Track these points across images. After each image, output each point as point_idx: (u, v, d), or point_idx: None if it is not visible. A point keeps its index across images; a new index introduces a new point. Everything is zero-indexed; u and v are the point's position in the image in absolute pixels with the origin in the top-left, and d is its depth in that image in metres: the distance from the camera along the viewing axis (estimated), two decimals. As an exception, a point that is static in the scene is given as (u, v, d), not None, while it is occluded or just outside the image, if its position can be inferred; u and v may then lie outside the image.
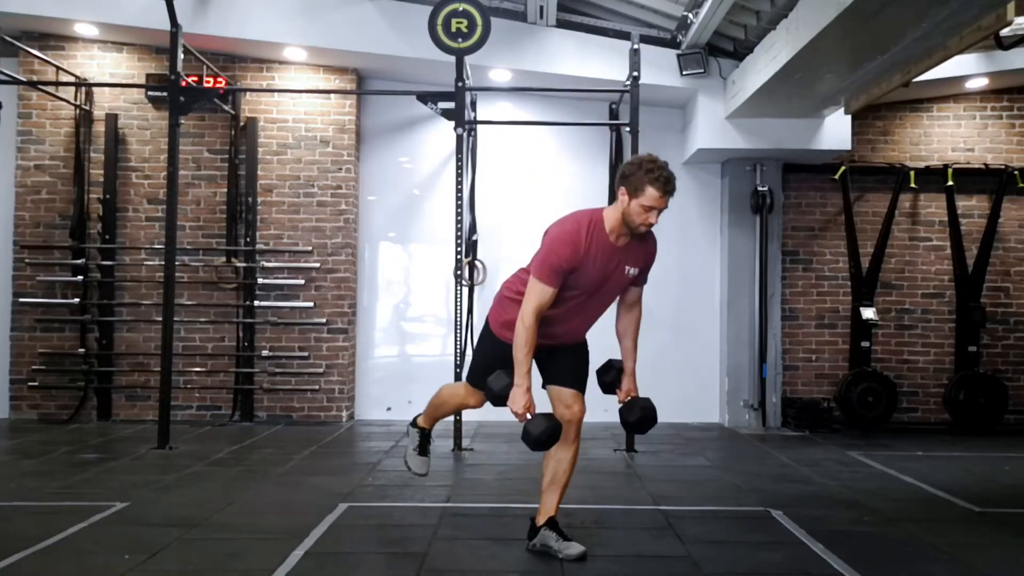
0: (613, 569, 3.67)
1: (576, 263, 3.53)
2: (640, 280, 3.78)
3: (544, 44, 7.78)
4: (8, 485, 5.17)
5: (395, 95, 8.02)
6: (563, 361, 3.79)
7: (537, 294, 3.52)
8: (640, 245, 3.67)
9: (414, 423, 4.28)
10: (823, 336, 8.33)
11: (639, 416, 3.75)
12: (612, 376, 3.86)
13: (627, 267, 3.65)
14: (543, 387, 3.83)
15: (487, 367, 3.78)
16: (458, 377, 6.55)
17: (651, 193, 3.46)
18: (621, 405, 3.81)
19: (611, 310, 3.85)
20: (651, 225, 3.54)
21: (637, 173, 3.47)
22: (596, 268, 3.58)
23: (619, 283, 3.70)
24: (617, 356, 3.86)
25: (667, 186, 3.48)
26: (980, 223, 8.26)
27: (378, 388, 8.35)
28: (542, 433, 3.53)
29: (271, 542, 3.96)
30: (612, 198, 8.04)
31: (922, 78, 6.42)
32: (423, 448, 4.27)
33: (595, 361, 3.89)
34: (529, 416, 3.54)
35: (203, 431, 7.38)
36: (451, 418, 6.68)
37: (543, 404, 3.67)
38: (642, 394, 3.81)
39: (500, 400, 3.65)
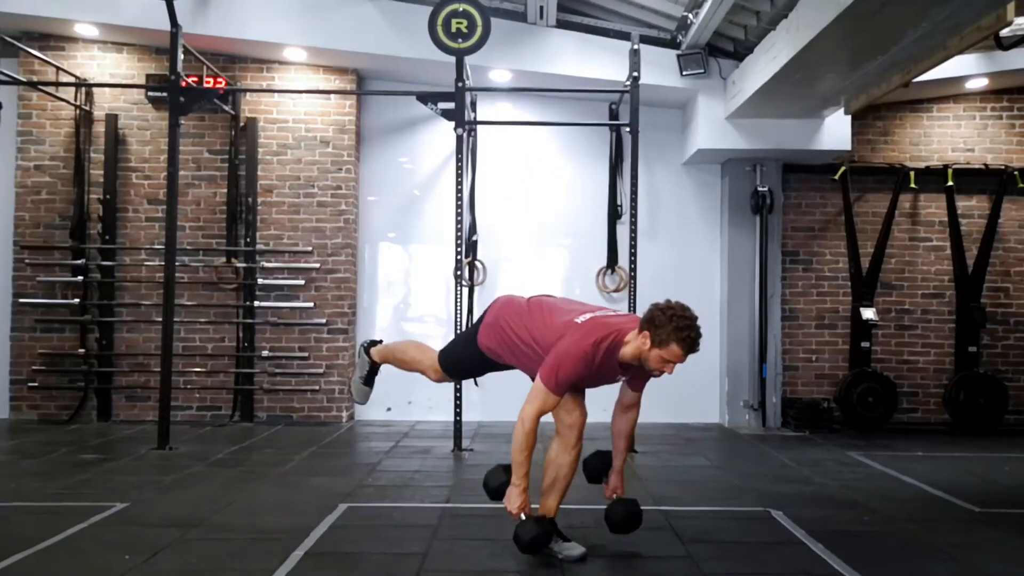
0: (613, 569, 3.68)
1: (584, 377, 3.58)
2: (638, 386, 3.83)
3: (544, 44, 7.78)
4: (8, 485, 5.17)
5: (395, 95, 8.02)
6: None
7: (542, 400, 3.53)
8: (642, 371, 3.66)
9: (367, 351, 4.35)
10: (823, 336, 8.33)
11: (624, 520, 3.86)
12: (601, 470, 3.95)
13: (620, 376, 3.72)
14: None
15: (460, 358, 3.98)
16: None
17: (675, 351, 3.44)
18: (607, 503, 3.91)
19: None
20: (665, 373, 3.55)
21: (666, 327, 3.42)
22: (594, 377, 3.63)
23: (608, 383, 3.76)
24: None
25: (693, 347, 3.46)
26: (980, 223, 8.26)
27: (378, 388, 8.09)
28: (533, 539, 3.58)
29: (271, 542, 3.96)
30: (612, 198, 8.18)
31: (922, 78, 6.43)
32: (368, 380, 4.41)
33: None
34: (523, 517, 3.58)
35: (203, 431, 7.38)
36: (452, 419, 6.70)
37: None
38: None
39: (496, 496, 3.71)
